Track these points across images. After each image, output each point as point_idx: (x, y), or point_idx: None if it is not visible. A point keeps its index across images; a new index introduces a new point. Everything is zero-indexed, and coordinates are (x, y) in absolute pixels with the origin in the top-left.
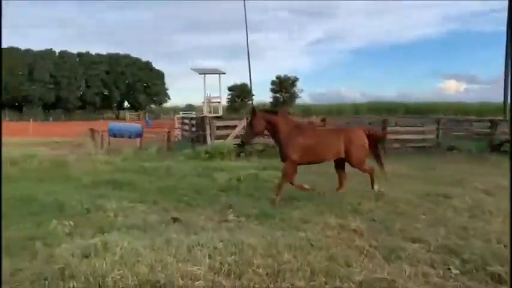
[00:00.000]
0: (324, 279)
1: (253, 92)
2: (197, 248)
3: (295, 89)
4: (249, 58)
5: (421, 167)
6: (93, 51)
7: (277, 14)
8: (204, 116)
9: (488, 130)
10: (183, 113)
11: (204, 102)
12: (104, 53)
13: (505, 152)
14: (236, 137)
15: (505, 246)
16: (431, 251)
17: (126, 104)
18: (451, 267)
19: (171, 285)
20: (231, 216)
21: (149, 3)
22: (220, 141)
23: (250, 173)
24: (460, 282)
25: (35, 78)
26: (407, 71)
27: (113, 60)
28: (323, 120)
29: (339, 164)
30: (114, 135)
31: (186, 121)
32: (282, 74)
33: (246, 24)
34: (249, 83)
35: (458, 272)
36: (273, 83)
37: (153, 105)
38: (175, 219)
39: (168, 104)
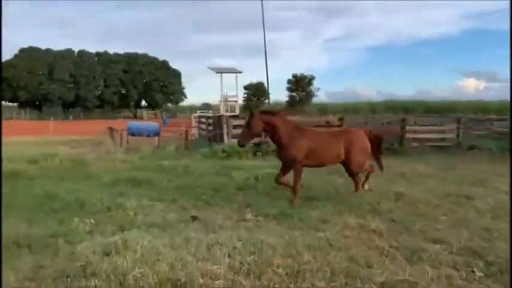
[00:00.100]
0: (344, 280)
1: (270, 90)
2: (216, 247)
3: (312, 88)
4: (266, 57)
5: (441, 167)
6: (111, 51)
7: (295, 13)
8: (220, 115)
9: (509, 129)
10: (200, 112)
11: (221, 101)
12: (122, 52)
13: None
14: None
15: None
16: (453, 253)
17: (143, 102)
18: (474, 269)
19: (191, 283)
20: (249, 216)
21: (167, 3)
22: (237, 140)
23: (267, 172)
24: (484, 285)
25: (55, 78)
26: (425, 69)
27: (131, 59)
28: (340, 119)
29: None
30: (133, 134)
31: (203, 120)
32: (298, 72)
33: (263, 23)
34: (264, 82)
35: (482, 274)
36: (289, 81)
37: (169, 104)
38: (194, 218)
39: (184, 103)
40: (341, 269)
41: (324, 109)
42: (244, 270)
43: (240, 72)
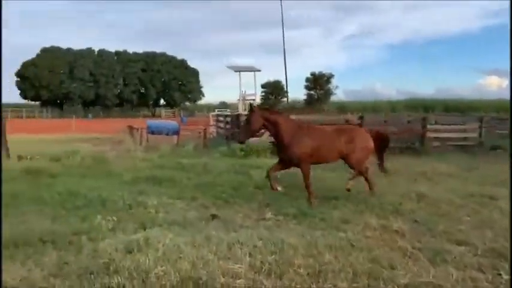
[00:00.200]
0: (367, 281)
1: (288, 89)
2: (237, 245)
3: (330, 86)
4: (284, 55)
5: (463, 167)
6: (130, 50)
7: (314, 11)
8: (239, 114)
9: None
10: (218, 111)
11: (239, 99)
12: (141, 51)
13: None
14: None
15: None
16: (478, 255)
17: (161, 101)
18: (501, 272)
19: (213, 282)
20: (269, 215)
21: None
22: (255, 138)
23: (286, 171)
24: None
25: (75, 77)
26: (445, 67)
27: (150, 58)
28: (360, 118)
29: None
30: (153, 133)
31: (221, 118)
32: (316, 70)
33: (282, 21)
34: (282, 80)
35: (509, 277)
36: (307, 79)
37: (187, 103)
38: (214, 216)
39: (202, 102)
40: (363, 270)
41: (342, 107)
42: (265, 269)
43: (259, 71)
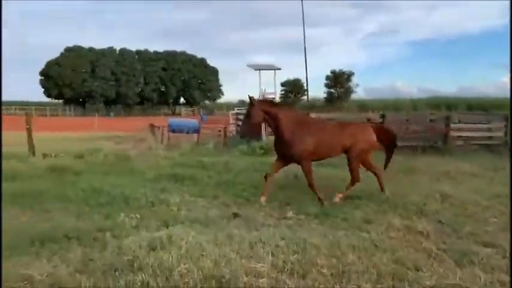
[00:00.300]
0: (391, 282)
1: (308, 87)
2: (259, 244)
3: (351, 84)
4: (305, 54)
5: (489, 167)
6: (151, 49)
7: (334, 9)
8: None
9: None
10: (237, 109)
11: (259, 98)
12: (161, 50)
13: None
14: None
15: None
16: (506, 257)
17: (181, 100)
18: None
19: (235, 281)
20: (290, 214)
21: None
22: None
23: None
24: None
25: (97, 75)
26: (468, 65)
27: (170, 57)
28: (382, 116)
29: (366, 164)
30: (174, 131)
31: (241, 117)
32: (337, 68)
33: (303, 19)
34: (301, 78)
35: None
36: (327, 78)
37: (207, 101)
38: (235, 215)
39: (221, 100)
40: (387, 271)
41: (363, 105)
42: (287, 269)
43: (279, 69)
